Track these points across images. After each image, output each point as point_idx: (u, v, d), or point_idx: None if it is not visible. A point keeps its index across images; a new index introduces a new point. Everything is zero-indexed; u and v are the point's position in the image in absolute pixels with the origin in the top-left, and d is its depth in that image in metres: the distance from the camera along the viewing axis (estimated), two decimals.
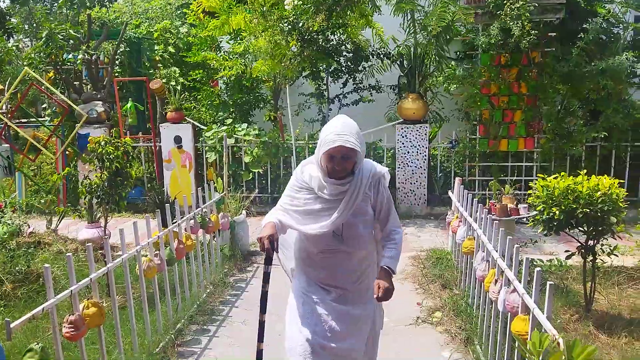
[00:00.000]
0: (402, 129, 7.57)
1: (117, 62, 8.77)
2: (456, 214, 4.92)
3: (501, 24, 6.64)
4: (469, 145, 7.54)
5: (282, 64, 7.29)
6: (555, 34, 7.03)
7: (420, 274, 5.24)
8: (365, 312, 2.56)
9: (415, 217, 7.52)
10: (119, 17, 10.26)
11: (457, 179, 5.34)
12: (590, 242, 3.99)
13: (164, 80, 8.19)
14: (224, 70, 8.11)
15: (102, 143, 4.45)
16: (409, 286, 5.02)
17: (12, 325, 2.43)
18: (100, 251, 5.02)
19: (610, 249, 4.01)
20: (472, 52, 7.55)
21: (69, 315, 2.80)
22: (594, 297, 4.22)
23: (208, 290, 4.82)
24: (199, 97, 8.74)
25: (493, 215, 5.40)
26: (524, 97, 7.19)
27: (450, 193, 5.45)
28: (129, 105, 8.74)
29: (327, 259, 2.52)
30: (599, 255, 4.07)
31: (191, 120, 8.00)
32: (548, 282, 2.42)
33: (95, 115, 7.75)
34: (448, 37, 7.23)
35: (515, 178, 7.40)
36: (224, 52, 8.81)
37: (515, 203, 6.09)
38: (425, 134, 7.56)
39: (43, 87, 8.09)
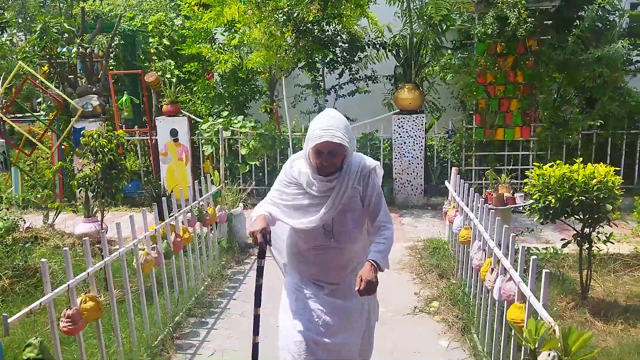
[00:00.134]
0: (398, 119, 7.56)
1: (111, 55, 8.70)
2: (453, 204, 4.92)
3: (497, 12, 6.62)
4: (465, 135, 7.53)
5: (278, 55, 7.26)
6: (551, 22, 7.01)
7: (418, 263, 5.27)
8: (358, 305, 2.55)
9: (412, 208, 7.53)
10: (113, 9, 10.16)
11: (453, 168, 5.34)
12: (586, 230, 4.01)
13: (159, 73, 8.15)
14: (219, 63, 8.07)
15: (95, 136, 4.44)
16: (406, 276, 5.05)
17: (9, 320, 2.43)
18: (98, 245, 5.03)
19: (606, 236, 4.04)
20: (468, 41, 7.52)
21: (67, 309, 2.81)
22: (590, 284, 4.25)
23: (206, 283, 4.83)
24: (194, 89, 8.71)
25: (489, 204, 5.42)
26: (520, 86, 7.18)
27: (446, 183, 5.45)
28: (124, 98, 8.69)
29: (319, 255, 2.51)
30: (595, 243, 4.09)
31: (187, 113, 7.97)
32: (544, 270, 2.43)
33: (90, 109, 7.70)
34: (445, 26, 7.20)
35: (511, 167, 7.42)
36: (218, 44, 8.76)
37: (511, 192, 6.10)
38: (422, 124, 7.55)
39: (38, 82, 8.04)
